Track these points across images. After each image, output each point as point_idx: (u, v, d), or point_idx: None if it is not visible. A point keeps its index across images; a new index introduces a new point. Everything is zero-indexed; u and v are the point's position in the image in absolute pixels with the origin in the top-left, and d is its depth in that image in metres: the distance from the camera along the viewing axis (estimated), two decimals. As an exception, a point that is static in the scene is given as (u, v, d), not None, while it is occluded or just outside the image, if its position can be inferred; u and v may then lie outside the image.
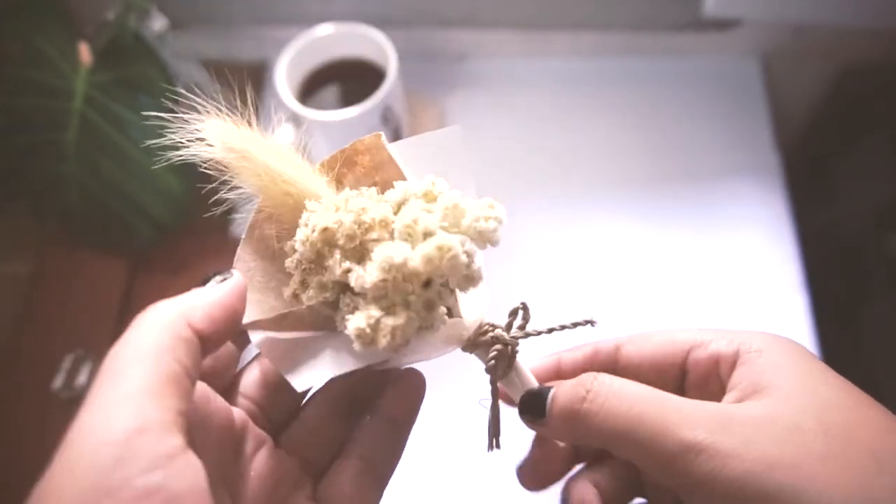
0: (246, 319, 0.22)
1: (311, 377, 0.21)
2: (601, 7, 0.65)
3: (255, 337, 0.22)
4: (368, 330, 0.20)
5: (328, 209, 0.21)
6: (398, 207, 0.21)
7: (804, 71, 0.70)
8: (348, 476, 0.24)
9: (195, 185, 0.55)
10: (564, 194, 0.63)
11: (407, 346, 0.20)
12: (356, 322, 0.20)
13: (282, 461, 0.24)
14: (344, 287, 0.21)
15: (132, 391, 0.20)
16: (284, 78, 0.55)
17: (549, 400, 0.23)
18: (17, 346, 0.55)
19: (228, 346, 0.25)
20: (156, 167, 0.53)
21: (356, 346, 0.20)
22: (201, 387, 0.23)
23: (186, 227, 0.58)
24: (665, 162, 0.64)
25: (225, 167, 0.22)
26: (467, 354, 0.25)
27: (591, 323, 0.24)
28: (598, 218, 0.61)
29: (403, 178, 0.22)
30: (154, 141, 0.22)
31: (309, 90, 0.58)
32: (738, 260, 0.59)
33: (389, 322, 0.19)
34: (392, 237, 0.20)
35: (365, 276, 0.20)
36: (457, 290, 0.21)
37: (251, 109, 0.23)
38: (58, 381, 0.52)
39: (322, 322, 0.22)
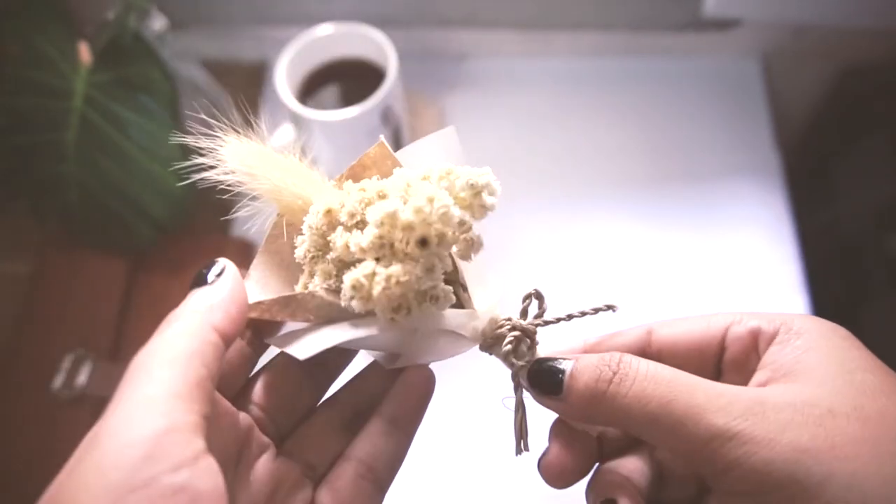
0: (259, 298, 0.22)
1: (313, 344, 0.21)
2: (601, 7, 0.65)
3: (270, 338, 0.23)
4: (364, 280, 0.19)
5: (333, 199, 0.22)
6: (397, 185, 0.21)
7: (804, 71, 0.70)
8: (346, 480, 0.24)
9: (195, 186, 0.55)
10: (564, 194, 0.63)
11: (409, 315, 0.20)
12: (353, 275, 0.20)
13: (282, 466, 0.24)
14: (344, 264, 0.21)
15: (161, 393, 0.21)
16: (284, 78, 0.55)
17: (567, 375, 0.21)
18: (17, 346, 0.55)
19: (243, 350, 0.26)
20: (156, 167, 0.53)
21: (354, 303, 0.20)
22: None
23: (186, 227, 0.58)
24: (665, 162, 0.64)
25: (244, 184, 0.23)
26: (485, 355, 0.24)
27: (612, 308, 0.23)
28: (598, 218, 0.61)
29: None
30: (179, 165, 0.23)
31: (309, 90, 0.58)
32: (738, 260, 0.59)
33: (383, 271, 0.19)
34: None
35: (361, 238, 0.20)
36: (468, 285, 0.21)
37: (255, 112, 0.23)
38: (58, 381, 0.52)
39: (325, 311, 0.22)
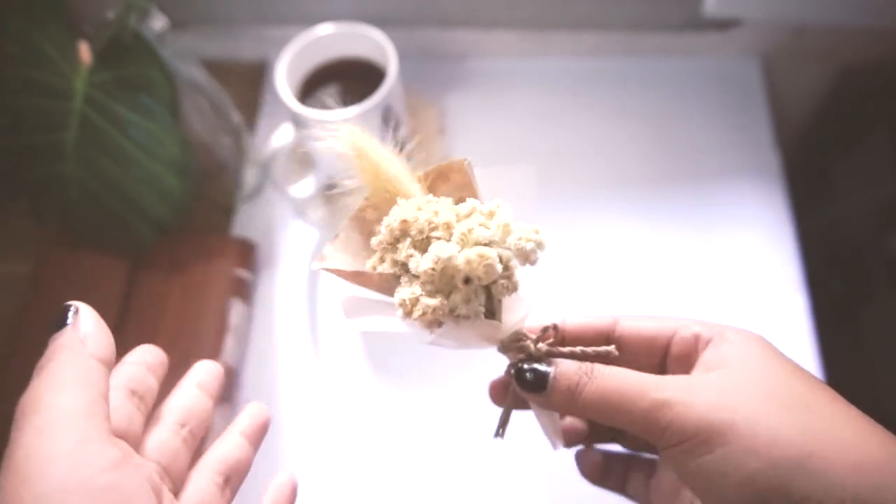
0: (333, 266, 0.26)
1: (364, 324, 0.26)
2: (601, 7, 0.65)
3: (343, 299, 0.27)
4: (408, 302, 0.24)
5: (412, 207, 0.25)
6: (464, 217, 0.25)
7: (804, 71, 0.70)
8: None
9: (195, 186, 0.55)
10: (564, 194, 0.63)
11: (440, 328, 0.25)
12: (402, 294, 0.25)
13: None
14: (405, 268, 0.25)
15: (64, 415, 0.22)
16: (284, 78, 0.55)
17: (550, 378, 0.26)
18: (17, 346, 0.55)
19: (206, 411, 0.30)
20: (156, 167, 0.53)
21: (398, 313, 0.25)
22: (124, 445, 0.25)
23: (186, 227, 0.58)
24: (665, 162, 0.64)
25: (348, 162, 0.26)
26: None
27: (612, 352, 0.27)
28: (598, 218, 0.61)
29: (478, 199, 0.26)
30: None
31: (309, 90, 0.58)
32: (738, 260, 0.59)
33: (424, 301, 0.24)
34: (449, 238, 0.25)
35: (420, 262, 0.24)
36: (502, 298, 0.25)
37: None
38: (57, 381, 0.52)
39: (385, 288, 0.26)
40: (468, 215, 0.25)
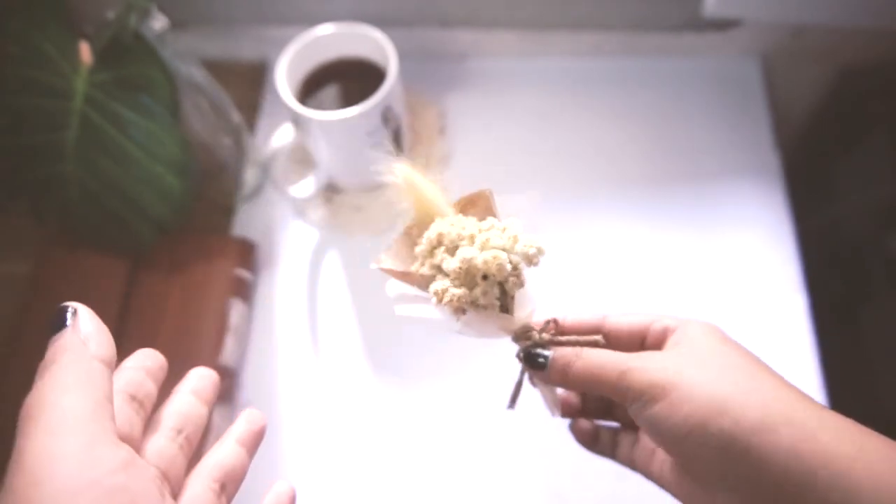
0: (386, 266, 0.33)
1: (407, 311, 0.33)
2: (601, 7, 0.65)
3: (389, 283, 0.34)
4: (440, 292, 0.31)
5: (446, 223, 0.33)
6: (484, 231, 0.32)
7: (804, 71, 0.70)
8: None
9: (195, 186, 0.55)
10: (564, 194, 0.63)
11: (465, 316, 0.32)
12: (435, 286, 0.32)
13: None
14: (440, 269, 0.32)
15: (71, 417, 0.23)
16: (284, 78, 0.55)
17: (550, 359, 0.33)
18: (17, 346, 0.55)
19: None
20: (156, 167, 0.53)
21: (432, 301, 0.32)
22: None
23: (186, 227, 0.58)
24: (665, 162, 0.64)
25: (401, 192, 0.33)
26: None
27: (598, 342, 0.33)
28: (598, 218, 0.61)
29: (497, 218, 0.34)
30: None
31: (309, 90, 0.58)
32: (738, 260, 0.59)
33: (452, 291, 0.31)
34: (472, 245, 0.32)
35: (450, 262, 0.31)
36: (515, 295, 0.32)
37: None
38: (57, 381, 0.52)
39: (424, 286, 0.33)
40: (488, 229, 0.32)
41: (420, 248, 0.33)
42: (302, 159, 0.64)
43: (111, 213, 0.55)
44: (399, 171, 0.33)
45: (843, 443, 0.26)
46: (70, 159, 0.53)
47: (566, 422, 0.40)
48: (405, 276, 0.33)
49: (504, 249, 0.31)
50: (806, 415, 0.27)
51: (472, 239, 0.32)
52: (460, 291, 0.31)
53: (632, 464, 0.36)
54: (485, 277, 0.31)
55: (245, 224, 0.63)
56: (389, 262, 0.34)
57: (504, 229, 0.32)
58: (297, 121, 0.55)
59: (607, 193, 0.62)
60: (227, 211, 0.64)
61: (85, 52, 0.52)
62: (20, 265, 0.60)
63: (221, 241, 0.59)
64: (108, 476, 0.22)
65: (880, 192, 0.70)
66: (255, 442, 0.31)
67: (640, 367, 0.30)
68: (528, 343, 0.33)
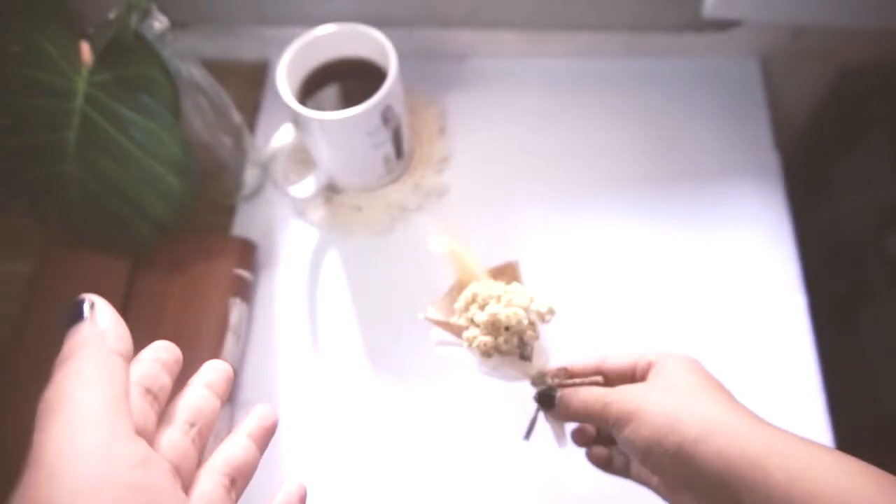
0: (431, 317, 0.41)
1: (445, 352, 0.40)
2: (601, 7, 0.65)
3: (433, 331, 0.41)
4: (471, 339, 0.38)
5: (480, 286, 0.39)
6: (510, 292, 0.39)
7: (804, 71, 0.70)
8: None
9: (195, 185, 0.55)
10: (563, 194, 0.63)
11: (492, 361, 0.38)
12: (468, 333, 0.38)
13: None
14: (473, 321, 0.39)
15: (91, 412, 0.23)
16: (285, 78, 0.55)
17: (557, 399, 0.38)
18: (17, 346, 0.55)
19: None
20: (156, 167, 0.53)
21: (464, 346, 0.38)
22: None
23: (186, 227, 0.58)
24: (665, 162, 0.64)
25: (447, 259, 0.41)
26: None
27: (600, 382, 0.39)
28: (598, 218, 0.61)
29: (521, 283, 0.41)
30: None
31: (309, 90, 0.58)
32: (738, 260, 0.59)
33: (481, 338, 0.38)
34: (499, 303, 0.38)
35: (480, 316, 0.38)
36: (533, 346, 0.38)
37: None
38: (58, 381, 0.52)
39: (459, 334, 0.39)
40: (512, 291, 0.39)
41: (458, 304, 0.40)
42: (302, 159, 0.64)
43: (111, 212, 0.55)
44: (446, 244, 0.41)
45: (757, 445, 0.31)
46: (70, 159, 0.53)
47: (566, 423, 0.41)
48: (445, 325, 0.40)
49: (523, 308, 0.38)
50: (736, 424, 0.32)
51: (499, 299, 0.38)
52: (487, 339, 0.37)
53: (639, 479, 0.40)
54: (507, 329, 0.37)
55: (245, 224, 0.63)
56: (434, 314, 0.41)
57: (524, 291, 0.39)
58: (298, 121, 0.55)
59: (607, 193, 0.63)
60: (227, 211, 0.64)
61: (85, 52, 0.52)
62: (20, 265, 0.60)
63: (221, 241, 0.60)
64: (128, 472, 0.22)
65: (880, 192, 0.70)
66: (265, 438, 0.31)
67: (616, 399, 0.35)
68: (543, 387, 0.39)
